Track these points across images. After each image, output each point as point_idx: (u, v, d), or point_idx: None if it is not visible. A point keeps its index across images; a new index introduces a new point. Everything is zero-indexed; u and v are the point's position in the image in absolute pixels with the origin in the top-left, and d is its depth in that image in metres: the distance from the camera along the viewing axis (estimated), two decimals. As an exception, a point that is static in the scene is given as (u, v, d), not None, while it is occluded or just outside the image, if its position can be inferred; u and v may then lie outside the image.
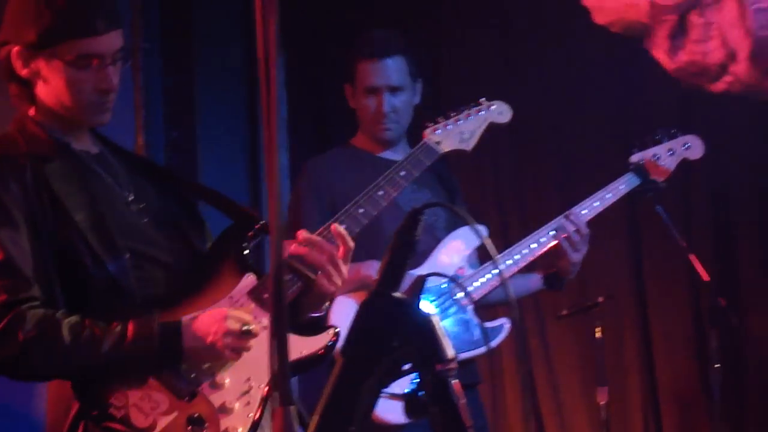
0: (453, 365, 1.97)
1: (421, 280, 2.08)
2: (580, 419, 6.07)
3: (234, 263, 3.26)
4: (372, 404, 2.05)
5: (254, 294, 3.08)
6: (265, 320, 3.14)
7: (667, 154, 4.47)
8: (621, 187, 4.35)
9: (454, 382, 1.98)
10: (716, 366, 5.01)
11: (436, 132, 3.90)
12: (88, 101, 3.16)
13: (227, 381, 3.15)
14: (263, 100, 1.88)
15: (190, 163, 5.99)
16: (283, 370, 1.96)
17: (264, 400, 3.15)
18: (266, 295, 3.22)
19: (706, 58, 2.99)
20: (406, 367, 2.07)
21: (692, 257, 4.77)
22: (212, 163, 6.07)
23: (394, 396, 3.30)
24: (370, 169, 4.15)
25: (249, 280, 3.17)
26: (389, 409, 3.55)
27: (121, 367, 3.04)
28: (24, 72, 3.16)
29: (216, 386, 3.12)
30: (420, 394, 2.01)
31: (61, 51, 3.10)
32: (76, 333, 3.03)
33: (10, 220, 3.11)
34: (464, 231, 4.23)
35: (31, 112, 3.23)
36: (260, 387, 3.14)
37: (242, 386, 3.14)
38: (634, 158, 4.42)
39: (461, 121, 4.04)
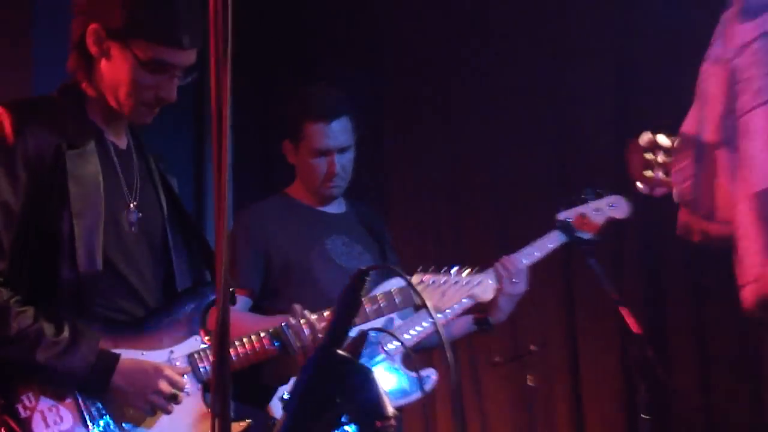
0: (392, 422, 1.99)
1: (364, 335, 2.12)
2: None
3: (190, 319, 3.24)
4: None
5: (192, 358, 3.06)
6: (192, 388, 3.18)
7: (594, 213, 4.45)
8: (549, 245, 4.37)
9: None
10: (644, 417, 4.80)
11: (422, 281, 4.02)
12: (142, 102, 3.17)
13: (132, 430, 3.15)
14: (214, 151, 1.93)
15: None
16: (222, 376, 2.02)
17: None
18: (201, 365, 3.27)
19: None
20: (345, 420, 2.08)
21: (623, 310, 4.62)
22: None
23: None
24: (310, 223, 4.29)
25: (194, 342, 3.17)
26: None
27: (48, 374, 3.04)
28: (93, 49, 3.15)
29: (120, 429, 3.10)
30: None
31: (138, 47, 3.11)
32: (21, 329, 3.03)
33: (15, 181, 3.13)
34: (395, 281, 4.12)
35: (87, 89, 3.23)
36: None
37: None
38: (561, 216, 4.41)
39: (446, 284, 4.10)
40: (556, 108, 6.24)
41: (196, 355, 3.20)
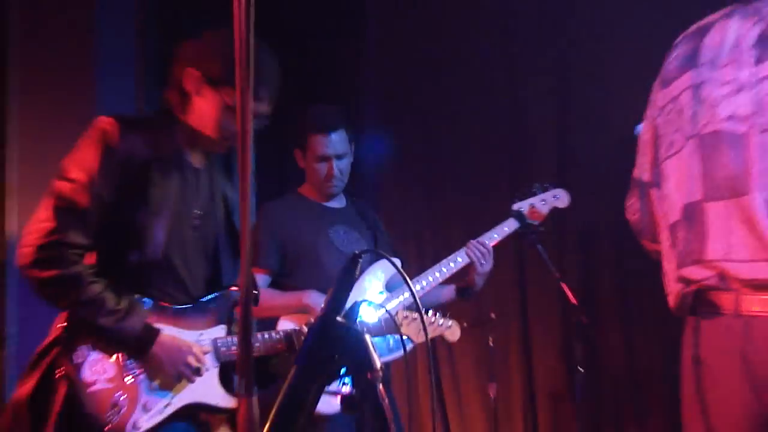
0: (379, 374, 2.00)
1: (356, 306, 2.10)
2: (475, 409, 6.32)
3: (219, 311, 3.35)
4: (316, 400, 2.06)
5: (215, 342, 3.16)
6: (211, 368, 3.28)
7: (541, 204, 4.64)
8: (506, 229, 4.52)
9: (380, 386, 2.02)
10: (580, 369, 5.25)
11: (405, 318, 4.17)
12: (224, 136, 3.29)
13: (158, 389, 3.26)
14: (239, 160, 1.94)
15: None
16: (247, 362, 1.99)
17: (166, 417, 3.25)
18: (222, 349, 3.33)
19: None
20: (343, 372, 2.07)
21: (563, 285, 5.04)
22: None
23: (333, 393, 3.57)
24: (316, 215, 4.44)
25: (220, 329, 3.26)
26: (323, 403, 3.57)
27: (103, 335, 3.15)
28: (189, 89, 3.28)
29: (150, 387, 3.22)
30: (353, 394, 2.06)
31: (226, 93, 3.24)
32: (93, 294, 3.14)
33: (111, 178, 3.19)
34: (383, 263, 4.38)
35: (181, 116, 3.33)
36: (174, 406, 3.24)
37: (165, 399, 3.24)
38: (515, 206, 4.61)
39: (425, 320, 4.26)
40: (509, 117, 6.51)
41: (219, 341, 3.28)
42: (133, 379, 3.19)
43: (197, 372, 3.06)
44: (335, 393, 3.60)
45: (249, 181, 2.03)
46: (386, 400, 1.99)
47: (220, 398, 3.26)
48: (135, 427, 3.15)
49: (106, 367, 3.17)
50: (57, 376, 3.11)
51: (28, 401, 3.13)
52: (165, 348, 3.20)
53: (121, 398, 3.16)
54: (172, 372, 3.21)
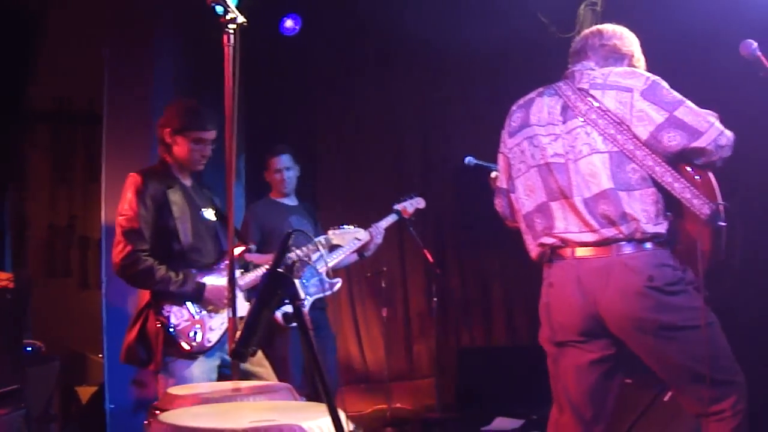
0: (303, 301, 2.02)
1: (288, 235, 2.12)
2: (374, 325, 6.72)
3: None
4: (270, 318, 2.06)
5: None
6: (238, 294, 3.35)
7: (409, 205, 4.86)
8: (390, 220, 4.76)
9: (305, 309, 2.07)
10: (434, 300, 5.87)
11: (335, 232, 4.33)
12: (196, 160, 3.42)
13: (215, 315, 3.35)
14: (227, 176, 2.06)
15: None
16: (233, 295, 2.17)
17: (225, 330, 3.30)
18: (241, 284, 3.46)
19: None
20: (285, 300, 2.05)
21: (425, 251, 5.36)
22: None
23: (281, 312, 3.71)
24: (280, 210, 4.69)
25: (237, 273, 3.16)
26: (278, 316, 3.96)
27: (175, 295, 3.32)
28: (168, 140, 3.43)
29: (210, 317, 3.32)
30: (289, 313, 2.03)
31: (189, 135, 3.39)
32: (161, 275, 3.29)
33: (146, 207, 3.32)
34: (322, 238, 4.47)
35: (168, 159, 3.43)
36: (226, 322, 3.26)
37: (221, 319, 3.34)
38: (395, 207, 4.85)
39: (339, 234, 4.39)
40: (392, 137, 6.75)
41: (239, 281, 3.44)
42: (199, 316, 3.32)
43: (231, 302, 3.01)
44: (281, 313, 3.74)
45: (233, 188, 2.30)
46: (308, 317, 2.02)
47: (245, 310, 3.38)
48: (209, 341, 3.33)
49: (183, 313, 3.31)
50: (157, 324, 3.29)
51: (136, 342, 3.33)
52: (210, 292, 3.38)
53: (196, 327, 3.30)
54: (218, 304, 3.37)
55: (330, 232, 4.39)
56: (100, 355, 4.87)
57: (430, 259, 5.45)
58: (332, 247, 4.52)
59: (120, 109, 4.61)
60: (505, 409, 5.36)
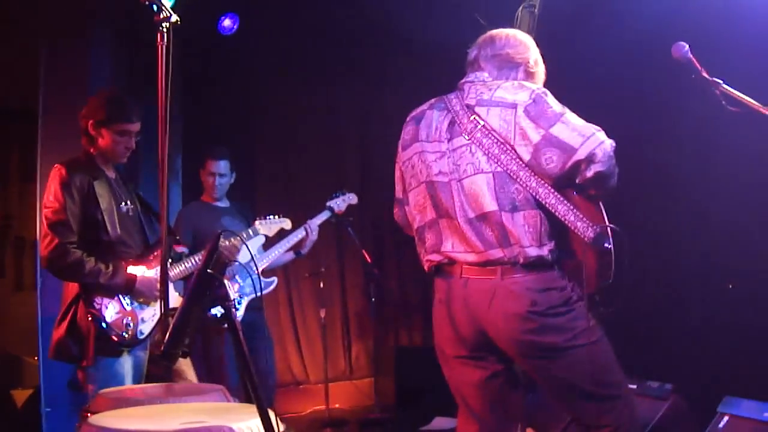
0: (232, 302, 1.96)
1: (218, 236, 2.09)
2: (313, 323, 6.64)
3: (158, 256, 3.35)
4: (200, 317, 2.02)
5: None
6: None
7: (341, 202, 4.90)
8: (323, 217, 4.78)
9: (234, 310, 1.98)
10: (373, 299, 5.92)
11: (262, 222, 4.37)
12: (120, 152, 3.39)
13: (147, 307, 3.35)
14: (160, 180, 2.06)
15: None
16: (164, 288, 2.21)
17: (156, 322, 3.30)
18: (171, 275, 3.47)
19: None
20: (215, 301, 2.03)
21: (363, 250, 5.52)
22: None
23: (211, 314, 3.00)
24: (211, 212, 4.66)
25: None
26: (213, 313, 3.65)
27: (104, 288, 3.27)
28: (92, 132, 3.38)
29: (142, 308, 3.31)
30: (219, 315, 2.02)
31: (114, 127, 3.35)
32: (91, 268, 3.24)
33: (73, 199, 3.26)
34: (260, 238, 4.47)
35: (92, 150, 3.39)
36: (158, 313, 3.29)
37: (152, 311, 3.33)
38: (329, 203, 4.87)
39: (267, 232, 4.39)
40: (331, 136, 6.70)
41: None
42: (131, 308, 3.31)
43: (161, 293, 3.05)
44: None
45: (166, 186, 2.26)
46: (237, 318, 2.00)
47: (175, 301, 3.41)
48: (141, 333, 3.33)
49: (114, 305, 3.28)
50: (89, 317, 3.24)
51: (66, 337, 3.26)
52: (142, 284, 3.37)
53: (128, 319, 3.29)
54: (150, 295, 3.38)
55: (256, 223, 4.39)
56: (36, 358, 4.76)
57: (368, 259, 5.48)
58: (267, 246, 4.53)
59: (55, 106, 4.50)
60: (444, 409, 5.23)
